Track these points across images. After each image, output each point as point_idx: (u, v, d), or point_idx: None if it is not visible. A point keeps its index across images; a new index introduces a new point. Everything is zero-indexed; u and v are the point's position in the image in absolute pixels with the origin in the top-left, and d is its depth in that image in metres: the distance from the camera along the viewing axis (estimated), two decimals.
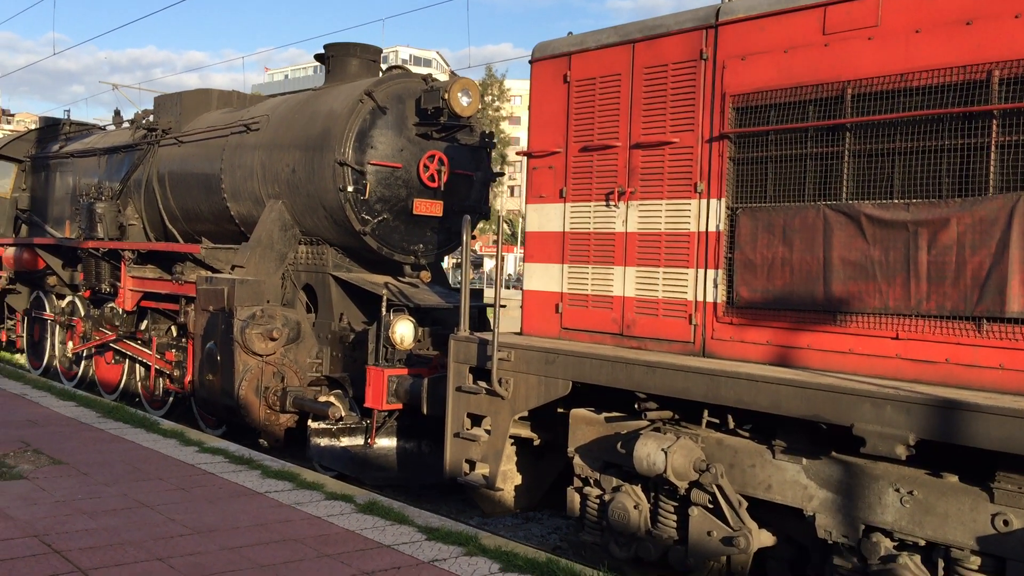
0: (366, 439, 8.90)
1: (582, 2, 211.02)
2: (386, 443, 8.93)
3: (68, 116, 17.05)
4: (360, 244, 9.68)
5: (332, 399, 9.36)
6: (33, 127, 18.50)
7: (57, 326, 14.32)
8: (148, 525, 6.23)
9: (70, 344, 13.41)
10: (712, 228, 6.15)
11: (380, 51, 10.76)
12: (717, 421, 5.81)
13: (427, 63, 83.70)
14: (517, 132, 59.85)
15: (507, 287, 40.79)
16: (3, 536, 5.85)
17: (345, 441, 8.93)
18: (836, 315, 5.47)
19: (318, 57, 11.14)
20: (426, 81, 9.85)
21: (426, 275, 9.92)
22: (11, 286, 15.80)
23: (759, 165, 5.94)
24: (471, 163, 10.20)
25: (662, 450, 5.63)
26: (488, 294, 11.04)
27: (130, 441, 9.07)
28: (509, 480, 7.42)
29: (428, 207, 9.77)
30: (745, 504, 5.62)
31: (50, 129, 16.72)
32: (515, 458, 7.40)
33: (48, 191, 15.49)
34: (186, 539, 5.97)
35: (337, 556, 5.71)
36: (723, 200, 6.09)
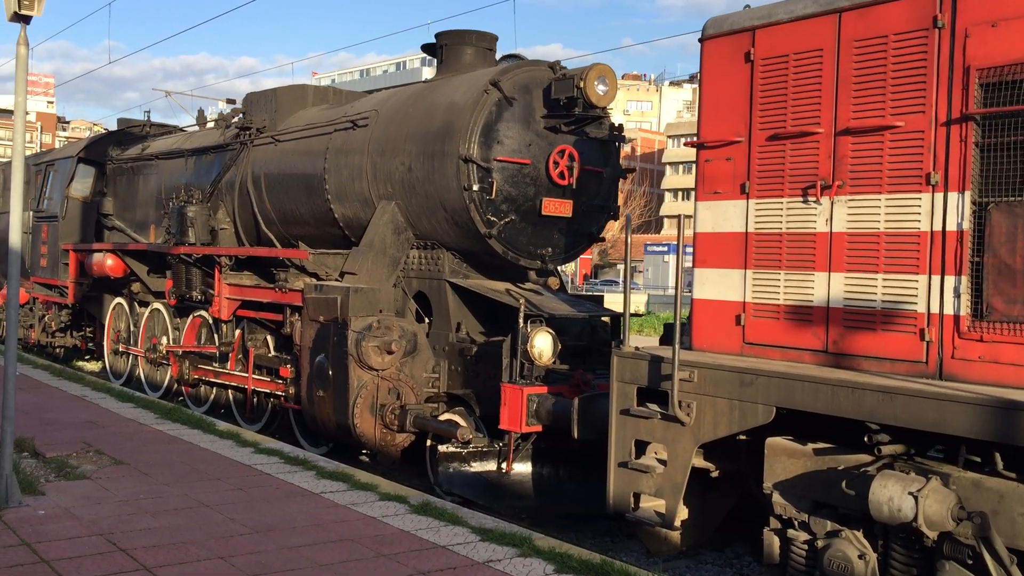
0: (499, 464, 8.04)
1: (632, 1, 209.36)
2: (521, 468, 8.06)
3: (148, 117, 16.50)
4: (483, 248, 8.85)
5: (455, 417, 8.53)
6: (111, 129, 17.93)
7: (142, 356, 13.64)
8: (209, 524, 6.31)
9: (164, 340, 12.77)
10: (951, 227, 5.19)
11: (496, 39, 9.92)
12: (978, 459, 4.85)
13: None
14: None
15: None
16: (71, 535, 5.94)
17: (476, 466, 8.08)
18: None
19: (426, 48, 10.36)
20: (554, 69, 8.99)
21: (555, 281, 9.07)
22: (93, 292, 15.25)
23: (1016, 151, 4.97)
24: (600, 158, 9.31)
25: (910, 494, 4.69)
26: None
27: (188, 442, 9.09)
28: (676, 515, 6.52)
29: (557, 207, 8.91)
30: (1015, 560, 4.66)
31: (129, 131, 16.15)
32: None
33: (130, 194, 14.89)
34: (246, 538, 6.03)
35: (393, 556, 5.76)
36: (967, 193, 5.13)
